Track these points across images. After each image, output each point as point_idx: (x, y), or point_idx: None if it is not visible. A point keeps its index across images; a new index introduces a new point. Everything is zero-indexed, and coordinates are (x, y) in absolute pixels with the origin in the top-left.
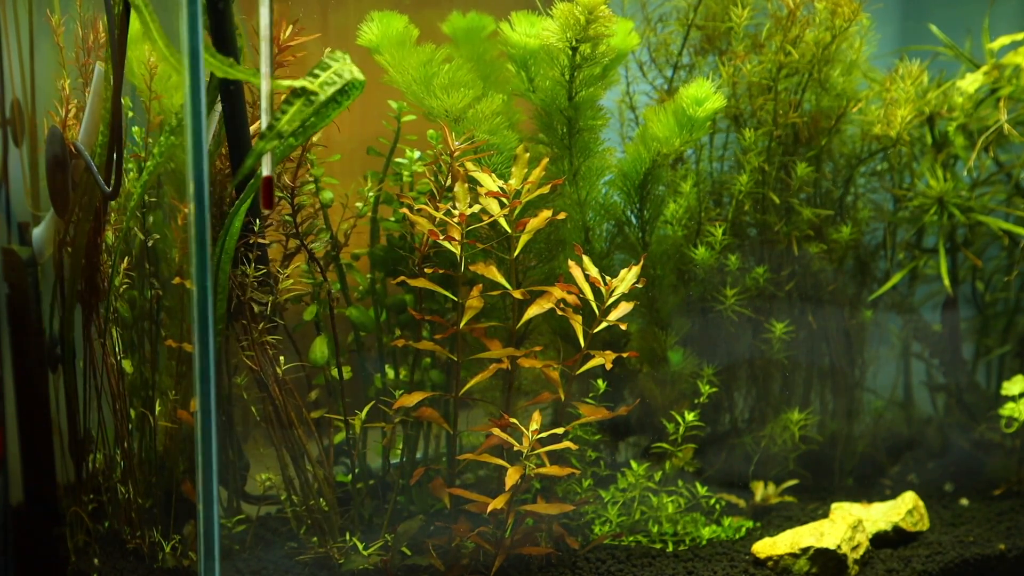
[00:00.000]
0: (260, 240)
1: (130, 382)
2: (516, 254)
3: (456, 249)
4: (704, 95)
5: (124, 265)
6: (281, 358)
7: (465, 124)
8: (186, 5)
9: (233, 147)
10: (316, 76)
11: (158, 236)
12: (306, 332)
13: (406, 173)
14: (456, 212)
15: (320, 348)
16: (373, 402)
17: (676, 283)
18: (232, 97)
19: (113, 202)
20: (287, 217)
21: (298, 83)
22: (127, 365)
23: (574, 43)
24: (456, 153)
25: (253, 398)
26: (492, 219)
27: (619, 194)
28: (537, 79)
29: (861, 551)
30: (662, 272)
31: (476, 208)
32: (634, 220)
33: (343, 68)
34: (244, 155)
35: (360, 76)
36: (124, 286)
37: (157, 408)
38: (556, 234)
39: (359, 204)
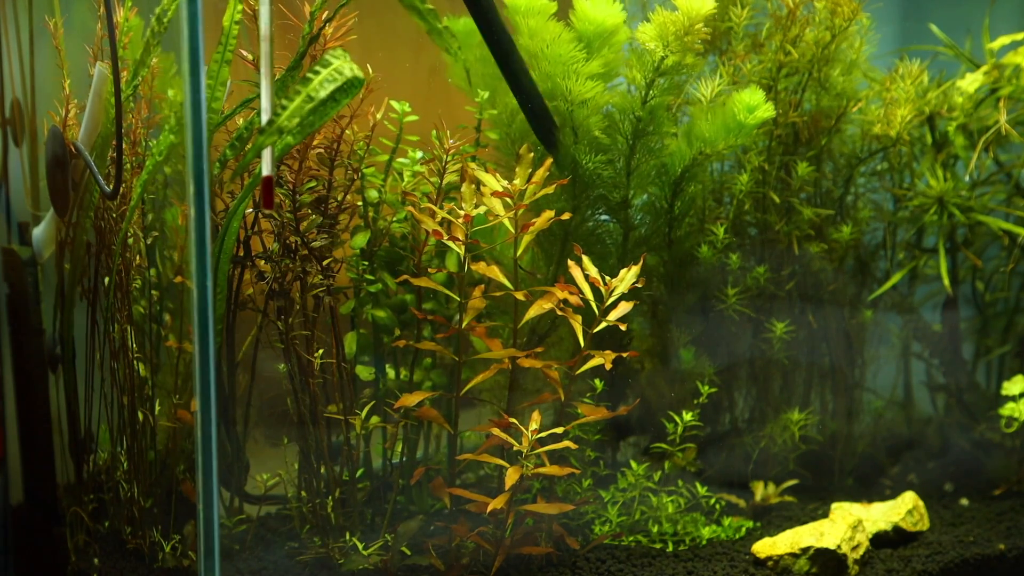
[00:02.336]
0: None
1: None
2: (520, 253)
3: (460, 250)
4: (756, 103)
5: (137, 262)
6: (320, 351)
7: (582, 111)
8: (186, 5)
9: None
10: (316, 73)
11: (157, 235)
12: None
13: (408, 173)
14: (462, 212)
15: (351, 343)
16: (373, 402)
17: (691, 281)
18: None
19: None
20: (288, 215)
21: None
22: (141, 367)
23: (666, 51)
24: (451, 152)
25: (270, 395)
26: (497, 219)
27: (653, 191)
28: (595, 61)
29: (861, 551)
30: (679, 271)
31: (482, 209)
32: (663, 216)
33: (343, 66)
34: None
35: (359, 74)
36: (132, 283)
37: (157, 408)
38: (597, 233)
39: (359, 203)
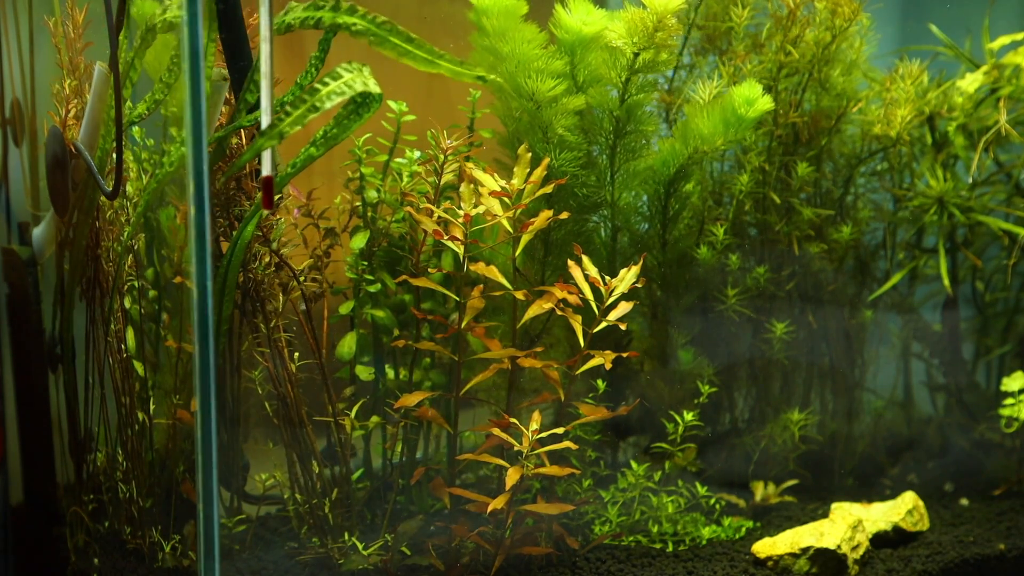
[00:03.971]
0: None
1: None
2: (518, 252)
3: (460, 249)
4: (755, 95)
5: (129, 263)
6: (296, 354)
7: (546, 113)
8: (186, 5)
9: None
10: (325, 84)
11: (154, 234)
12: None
13: (406, 173)
14: (461, 212)
15: (349, 344)
16: (363, 400)
17: (688, 282)
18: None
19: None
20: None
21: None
22: (138, 366)
23: (638, 48)
24: (448, 152)
25: (264, 396)
26: (497, 219)
27: (646, 191)
28: (580, 67)
29: (861, 551)
30: (676, 272)
31: (481, 209)
32: (657, 217)
33: (354, 79)
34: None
35: (376, 89)
36: (128, 283)
37: (152, 407)
38: (585, 234)
39: (357, 204)
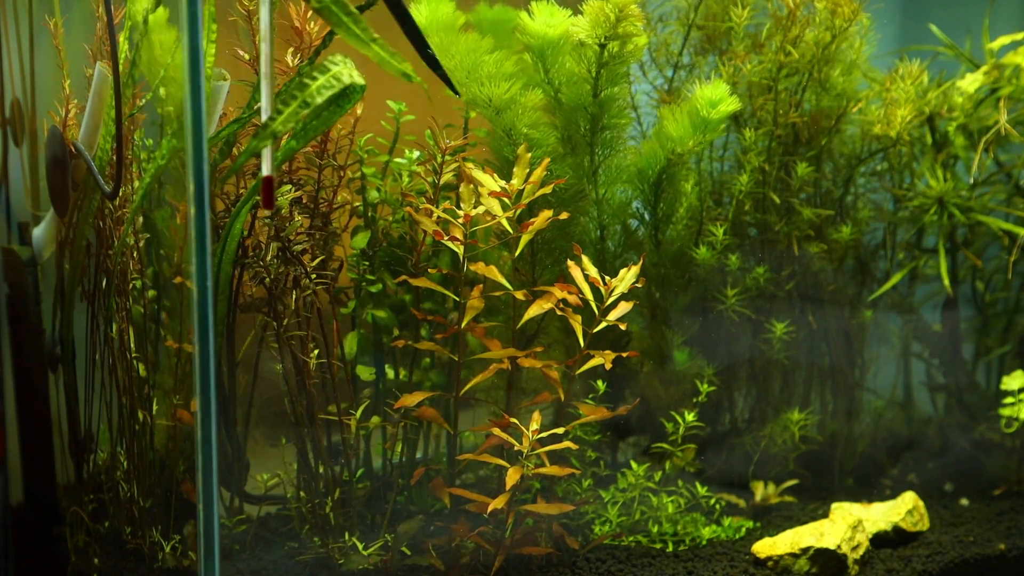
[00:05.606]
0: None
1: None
2: (518, 253)
3: (460, 249)
4: (719, 97)
5: (134, 263)
6: (315, 351)
7: (507, 115)
8: (186, 5)
9: None
10: (314, 78)
11: (152, 234)
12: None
13: (405, 173)
14: (461, 212)
15: (351, 344)
16: (368, 402)
17: (685, 282)
18: None
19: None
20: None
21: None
22: (140, 367)
23: (603, 40)
24: (447, 151)
25: (269, 395)
26: (496, 220)
27: (634, 191)
28: (553, 71)
29: (861, 551)
30: (672, 272)
31: (481, 209)
32: (647, 218)
33: (342, 72)
34: None
35: (360, 80)
36: (132, 283)
37: (154, 408)
38: (573, 233)
39: (357, 204)
